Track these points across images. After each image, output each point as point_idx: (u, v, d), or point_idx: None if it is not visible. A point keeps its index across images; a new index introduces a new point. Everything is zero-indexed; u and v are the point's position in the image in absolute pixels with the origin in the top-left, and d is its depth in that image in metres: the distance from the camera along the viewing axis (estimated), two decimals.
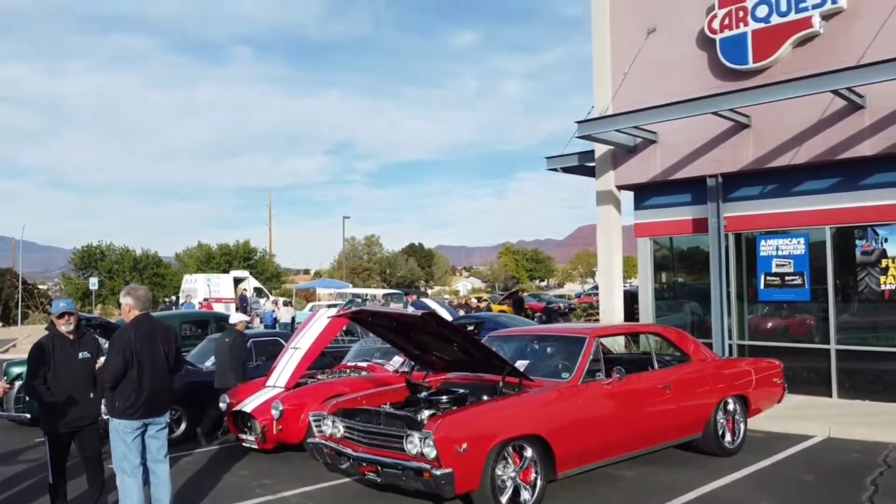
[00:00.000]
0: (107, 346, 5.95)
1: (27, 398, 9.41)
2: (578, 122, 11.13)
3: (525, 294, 40.71)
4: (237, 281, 35.37)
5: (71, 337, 5.63)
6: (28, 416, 9.39)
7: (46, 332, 5.90)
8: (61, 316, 5.59)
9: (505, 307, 34.46)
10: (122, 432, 5.18)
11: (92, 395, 5.66)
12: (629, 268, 27.96)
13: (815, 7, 9.92)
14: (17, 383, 9.79)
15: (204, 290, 32.94)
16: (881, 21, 9.39)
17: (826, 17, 9.95)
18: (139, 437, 5.24)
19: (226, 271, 39.49)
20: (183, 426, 8.86)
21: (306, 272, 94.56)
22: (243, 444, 8.00)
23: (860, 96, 9.44)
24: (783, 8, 10.19)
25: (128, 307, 5.34)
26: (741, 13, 10.58)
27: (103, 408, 6.08)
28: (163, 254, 49.31)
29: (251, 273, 39.43)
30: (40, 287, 49.23)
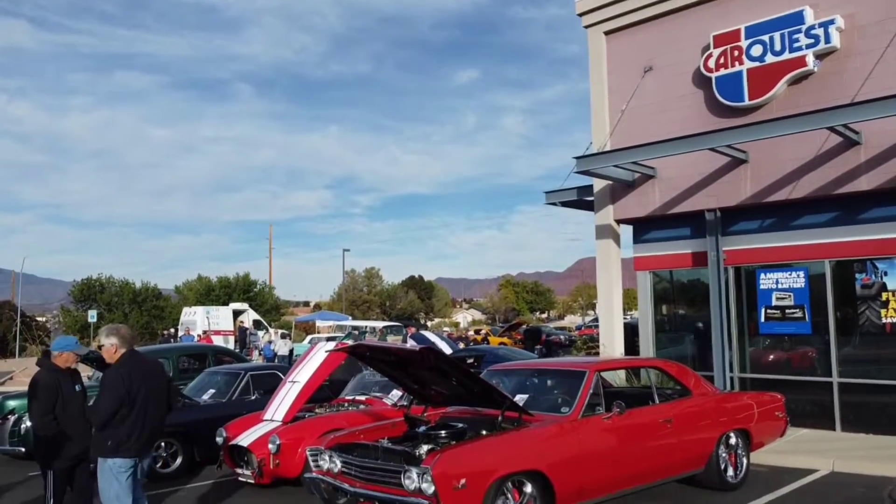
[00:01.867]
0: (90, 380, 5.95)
1: (23, 433, 9.32)
2: (577, 158, 11.20)
3: (526, 326, 40.66)
4: (236, 313, 35.31)
5: (67, 372, 5.72)
6: (23, 449, 9.29)
7: (39, 367, 5.87)
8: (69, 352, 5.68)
9: (505, 339, 34.39)
10: (116, 471, 4.99)
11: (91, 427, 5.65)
12: (629, 300, 27.99)
13: (808, 47, 10.09)
14: (12, 417, 9.72)
15: (203, 322, 32.88)
16: (874, 60, 9.55)
17: (820, 57, 10.12)
18: (132, 476, 5.14)
19: (225, 304, 39.42)
20: (179, 460, 8.77)
21: (306, 304, 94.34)
22: (239, 478, 7.90)
23: (856, 133, 9.55)
24: (777, 47, 10.37)
25: (113, 347, 5.12)
26: (736, 52, 10.76)
27: None
28: (162, 286, 49.19)
29: (251, 305, 39.35)
30: (39, 319, 49.06)
